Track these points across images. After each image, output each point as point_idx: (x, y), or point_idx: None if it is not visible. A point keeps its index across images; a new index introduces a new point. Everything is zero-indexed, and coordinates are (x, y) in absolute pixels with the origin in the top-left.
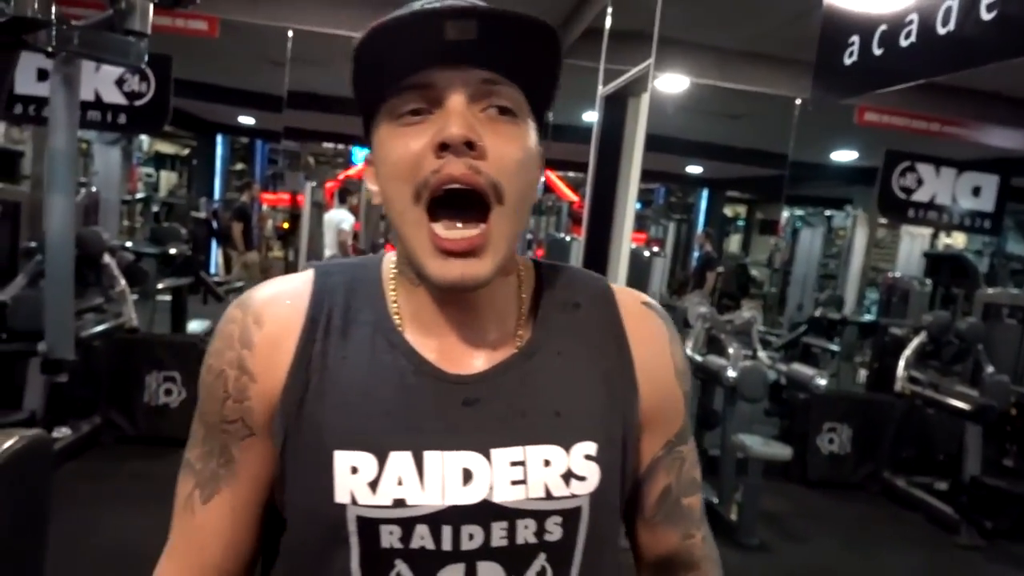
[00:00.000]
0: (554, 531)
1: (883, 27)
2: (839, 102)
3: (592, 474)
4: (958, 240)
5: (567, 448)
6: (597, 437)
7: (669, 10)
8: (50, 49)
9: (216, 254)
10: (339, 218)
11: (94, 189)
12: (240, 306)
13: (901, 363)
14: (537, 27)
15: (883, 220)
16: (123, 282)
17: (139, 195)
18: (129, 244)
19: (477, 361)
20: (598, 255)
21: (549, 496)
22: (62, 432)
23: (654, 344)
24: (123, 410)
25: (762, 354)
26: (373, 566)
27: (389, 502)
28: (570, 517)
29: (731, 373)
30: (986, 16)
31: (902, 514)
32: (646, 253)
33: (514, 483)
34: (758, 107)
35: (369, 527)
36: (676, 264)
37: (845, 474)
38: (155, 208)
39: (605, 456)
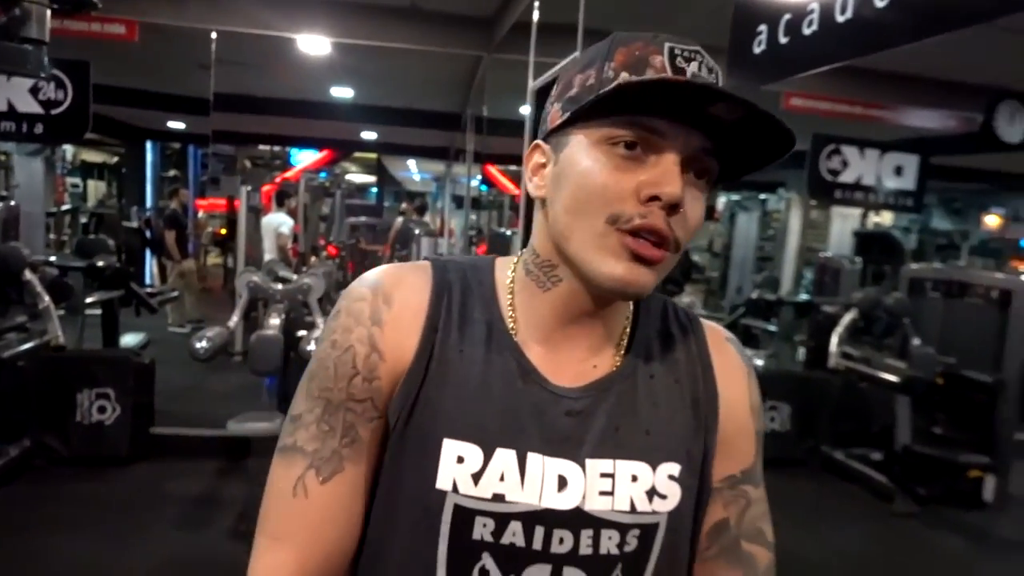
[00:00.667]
0: (632, 544)
1: (787, 16)
2: (755, 90)
3: (673, 494)
4: (886, 218)
5: (654, 466)
6: (681, 459)
7: (594, 3)
8: None
9: (151, 264)
10: (277, 222)
11: (13, 203)
12: (368, 285)
13: (834, 340)
14: (782, 135)
15: (813, 202)
16: (47, 298)
17: (66, 206)
18: (53, 258)
19: (580, 375)
20: None
21: (633, 510)
22: None
23: (735, 377)
24: (55, 431)
25: None
26: (459, 557)
27: (489, 495)
28: (648, 532)
29: None
30: (880, 3)
31: (841, 486)
32: None
33: (602, 494)
34: None
35: (464, 516)
36: None
37: (787, 450)
38: (83, 219)
39: (686, 478)
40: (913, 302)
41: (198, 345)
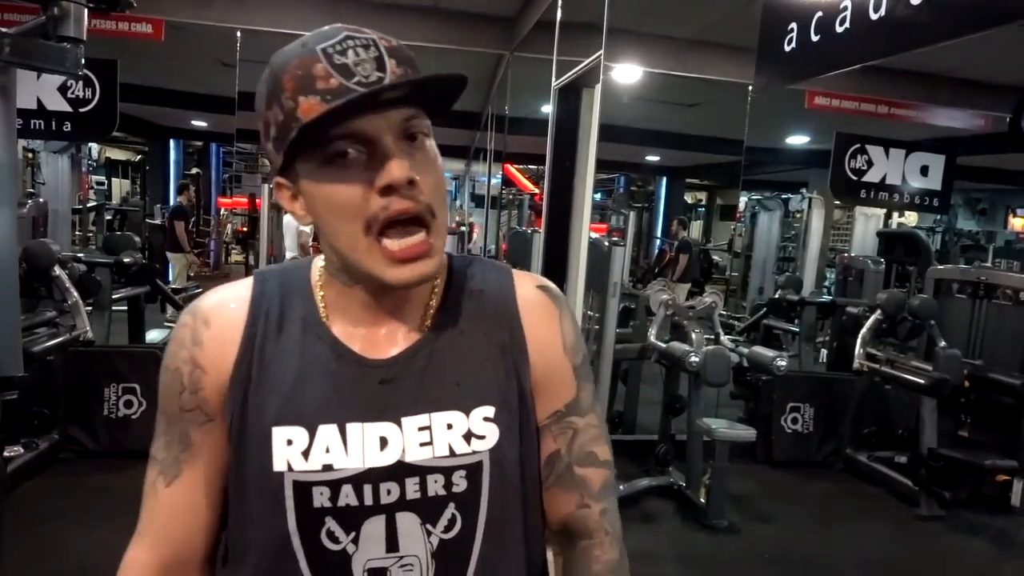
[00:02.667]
0: (460, 483)
1: (819, 14)
2: (783, 88)
3: (491, 433)
4: (910, 219)
5: (467, 412)
6: (494, 401)
7: (618, 1)
8: None
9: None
10: None
11: (42, 199)
12: (190, 312)
13: (858, 341)
14: (445, 80)
15: (837, 202)
16: (75, 294)
17: (91, 203)
18: (81, 255)
19: (394, 346)
20: (558, 246)
21: (452, 454)
22: (15, 451)
23: (543, 320)
24: (83, 425)
25: (724, 338)
26: (307, 524)
27: (319, 467)
28: (473, 470)
29: (694, 359)
30: (915, 1)
31: (865, 489)
32: (605, 243)
33: (422, 445)
34: (712, 94)
35: (303, 490)
36: (639, 252)
37: (809, 453)
38: (108, 216)
39: (502, 417)
40: (939, 303)
41: None
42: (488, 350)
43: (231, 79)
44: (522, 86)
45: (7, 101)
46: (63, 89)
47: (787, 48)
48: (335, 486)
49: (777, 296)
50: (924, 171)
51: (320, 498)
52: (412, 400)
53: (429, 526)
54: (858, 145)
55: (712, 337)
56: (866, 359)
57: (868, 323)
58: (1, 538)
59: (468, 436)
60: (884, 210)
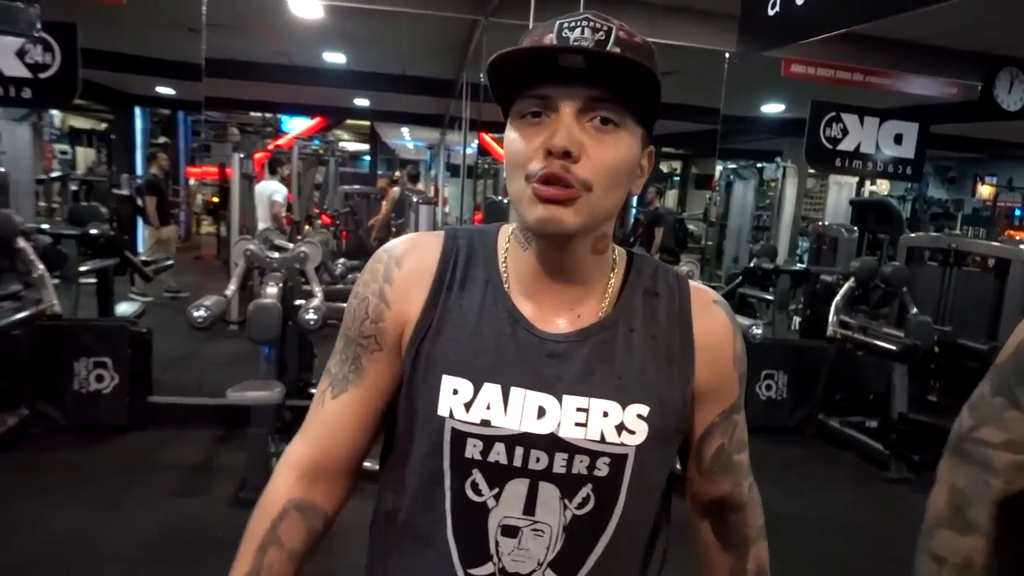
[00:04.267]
0: (602, 469)
1: None
2: (764, 54)
3: (641, 430)
4: (882, 187)
5: (624, 406)
6: (651, 402)
7: None
8: None
9: (143, 232)
10: (271, 190)
11: (2, 169)
12: (386, 251)
13: (832, 309)
14: (635, 67)
15: (812, 170)
16: (41, 266)
17: (54, 173)
18: (46, 226)
19: (565, 324)
20: None
21: (603, 440)
22: None
23: (718, 335)
24: (52, 399)
25: None
26: (456, 471)
27: (478, 421)
28: (618, 461)
29: None
30: None
31: (836, 454)
32: None
33: (577, 424)
34: (688, 62)
35: (458, 438)
36: (616, 222)
37: (782, 419)
38: (73, 187)
39: (655, 419)
40: (910, 271)
41: (196, 314)
42: (655, 354)
43: (197, 45)
44: (494, 51)
45: None
46: (20, 54)
47: (771, 12)
48: (489, 441)
49: (752, 265)
50: (898, 139)
51: (472, 450)
52: (575, 380)
53: (567, 500)
54: (833, 113)
55: None
56: (839, 326)
57: (841, 291)
58: None
59: (620, 428)
60: (857, 179)
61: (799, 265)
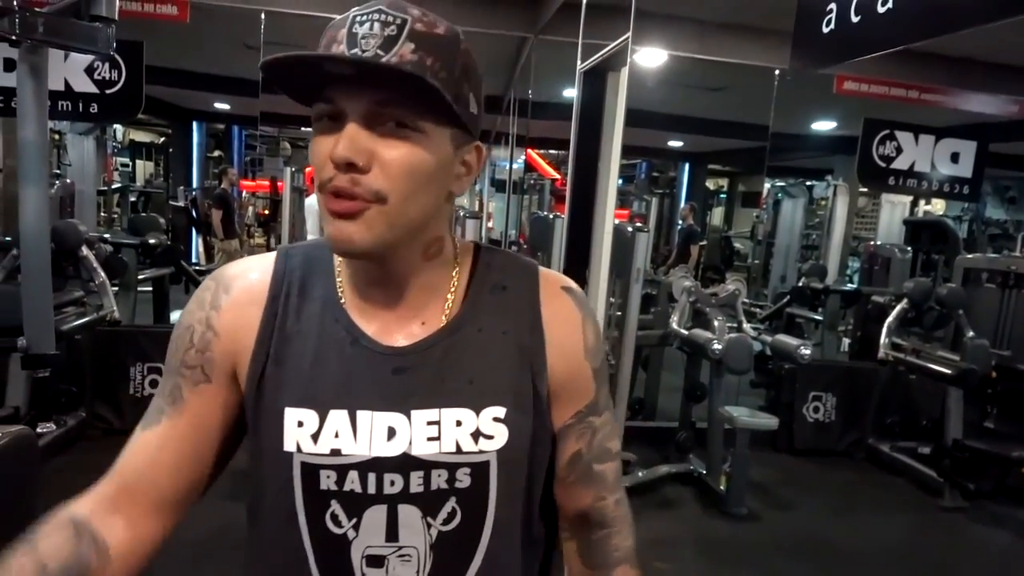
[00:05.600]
0: (464, 480)
1: None
2: (818, 71)
3: (500, 434)
4: (937, 207)
5: (477, 411)
6: (506, 402)
7: None
8: (14, 37)
9: (196, 242)
10: None
11: (69, 180)
12: (213, 277)
13: (884, 330)
14: (399, 76)
15: (863, 189)
16: (103, 274)
17: (115, 185)
18: (107, 235)
19: (408, 335)
20: (581, 232)
21: (459, 451)
22: (47, 427)
23: (567, 324)
24: (109, 403)
25: (747, 326)
26: (312, 505)
27: (327, 451)
28: (479, 469)
29: (717, 346)
30: None
31: (887, 479)
32: (629, 228)
33: (429, 439)
34: (738, 79)
35: (310, 471)
36: (659, 239)
37: (831, 442)
38: (132, 198)
39: (513, 419)
40: (967, 293)
41: None
42: (506, 349)
43: (255, 62)
44: (546, 70)
45: (39, 81)
46: (90, 71)
47: (825, 30)
48: (342, 471)
49: (801, 284)
50: (954, 158)
51: (327, 481)
52: (423, 393)
53: (429, 518)
54: (887, 131)
55: (735, 325)
56: (891, 348)
57: (894, 312)
58: (37, 513)
59: (476, 435)
60: (910, 198)
61: (849, 285)
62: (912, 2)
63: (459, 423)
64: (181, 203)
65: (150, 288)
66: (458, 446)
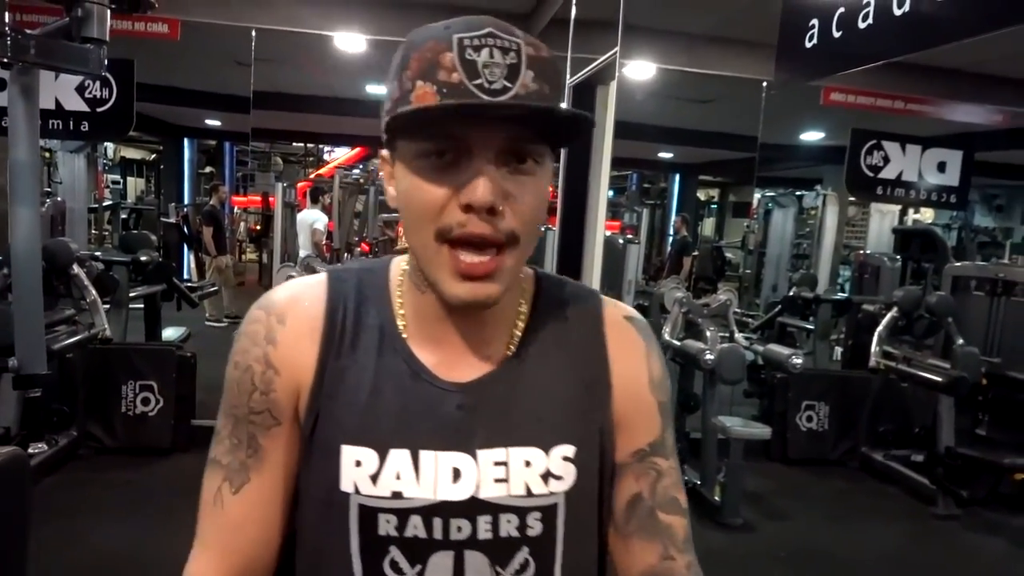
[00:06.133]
0: (535, 526)
1: (841, 10)
2: (803, 85)
3: (569, 474)
4: (926, 215)
5: (547, 450)
6: (574, 440)
7: None
8: (6, 60)
9: (188, 259)
10: (312, 218)
11: (60, 198)
12: (263, 307)
13: (874, 339)
14: (568, 117)
15: (852, 198)
16: (94, 292)
17: (107, 202)
18: (98, 253)
19: (472, 369)
20: (573, 244)
21: (529, 493)
22: (38, 447)
23: (632, 355)
24: (101, 422)
25: (739, 336)
26: (371, 550)
27: (388, 494)
28: (549, 512)
29: (709, 356)
30: None
31: (881, 488)
32: (620, 240)
33: (497, 481)
34: (727, 91)
35: (369, 515)
36: (651, 250)
37: (824, 451)
38: (123, 215)
39: (582, 457)
40: (956, 301)
41: None
42: (572, 384)
43: (246, 78)
44: None
45: (31, 102)
46: (80, 89)
47: (808, 44)
48: (403, 515)
49: (792, 293)
50: (941, 167)
51: (386, 526)
52: (490, 431)
53: (499, 568)
54: (874, 141)
55: (727, 335)
56: (882, 357)
57: (884, 320)
58: (28, 533)
59: (546, 476)
60: (899, 207)
61: (840, 294)
62: (891, 18)
63: (528, 463)
64: (173, 219)
65: (142, 305)
66: (528, 488)
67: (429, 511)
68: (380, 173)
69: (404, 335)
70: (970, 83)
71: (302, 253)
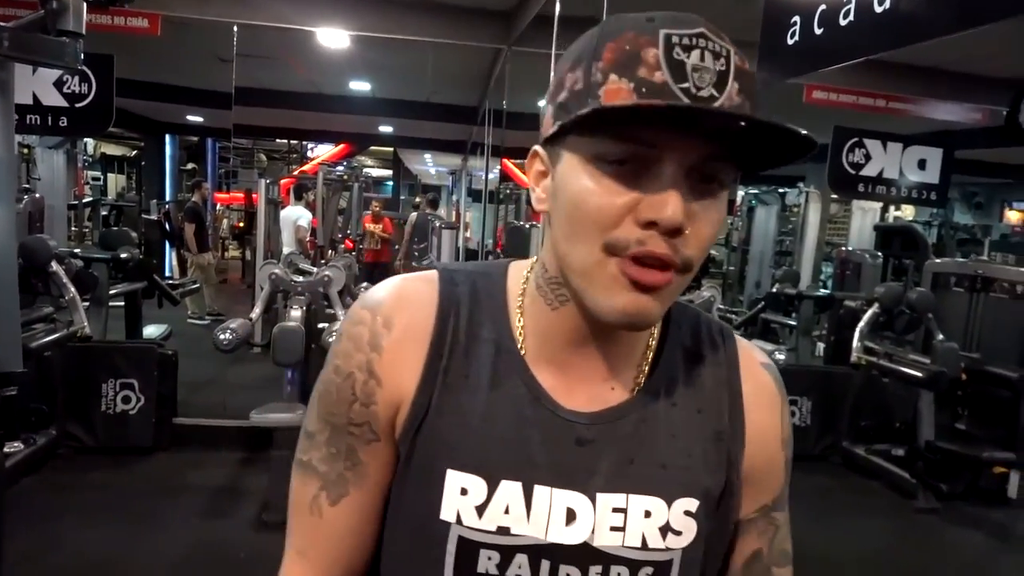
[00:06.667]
0: None
1: (823, 7)
2: (785, 82)
3: (689, 530)
4: (907, 213)
5: (669, 502)
6: (699, 495)
7: None
8: None
9: (170, 256)
10: (296, 215)
11: (38, 195)
12: (367, 307)
13: (856, 335)
14: (789, 136)
15: (835, 196)
16: (73, 289)
17: (87, 199)
18: (78, 250)
19: (595, 400)
20: None
21: (645, 546)
22: (14, 447)
23: (767, 408)
24: (81, 421)
25: None
26: None
27: (493, 528)
28: (662, 569)
29: None
30: None
31: (862, 483)
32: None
33: (613, 529)
34: None
35: (469, 549)
36: None
37: (807, 446)
38: (104, 212)
39: (703, 514)
40: (936, 297)
41: (222, 336)
42: (702, 431)
43: (228, 74)
44: (520, 81)
45: (5, 96)
46: (59, 84)
47: (790, 41)
48: (507, 553)
49: (775, 290)
50: (921, 165)
51: (487, 563)
52: (611, 473)
53: None
54: (856, 139)
55: None
56: (864, 352)
57: (866, 317)
58: (2, 534)
59: (665, 529)
60: (881, 204)
61: (823, 291)
62: (873, 15)
63: (648, 514)
64: (154, 216)
65: (122, 303)
66: (644, 540)
67: (537, 552)
68: (528, 172)
69: (523, 352)
70: (950, 82)
71: (285, 250)
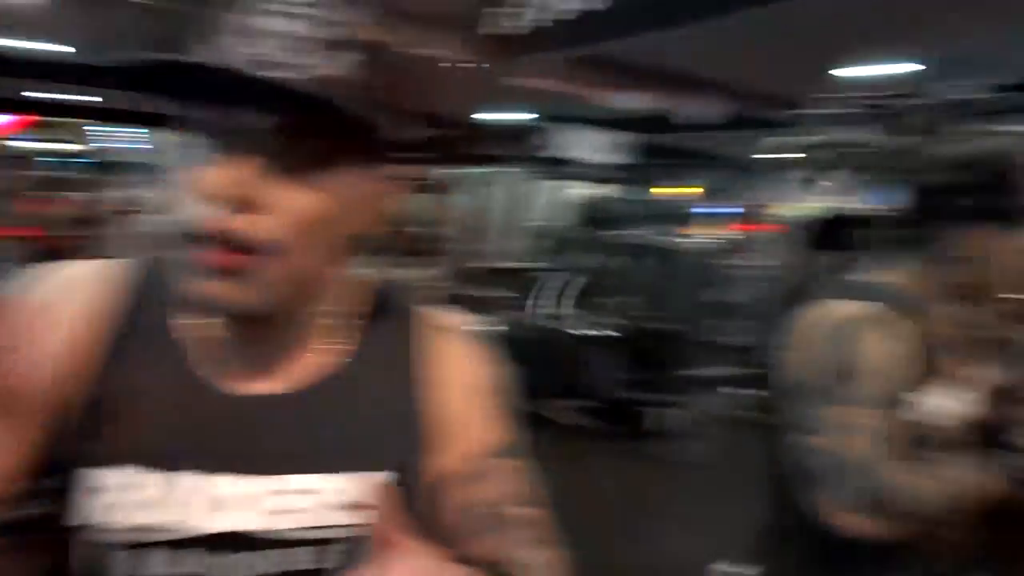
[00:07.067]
0: (330, 560)
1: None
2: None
3: (378, 502)
4: (605, 190)
5: (354, 476)
6: (391, 465)
7: None
8: None
9: None
10: None
11: None
12: (24, 291)
13: (551, 303)
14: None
15: (539, 175)
16: None
17: None
18: None
19: (272, 381)
20: None
21: (331, 525)
22: None
23: (457, 364)
24: None
25: None
26: None
27: (151, 524)
28: (352, 545)
29: None
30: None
31: (555, 433)
32: None
33: (291, 511)
34: None
35: (130, 550)
36: None
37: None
38: None
39: (394, 484)
40: (612, 263)
41: None
42: (390, 402)
43: None
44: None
45: None
46: None
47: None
48: (172, 548)
49: (475, 264)
50: (614, 147)
51: (156, 563)
52: (287, 453)
53: None
54: (557, 124)
55: None
56: (554, 317)
57: (548, 284)
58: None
59: (351, 506)
60: (580, 182)
61: (518, 263)
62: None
63: (332, 491)
64: None
65: None
66: (329, 519)
67: (203, 543)
68: None
69: (193, 337)
70: (631, 74)
71: None
